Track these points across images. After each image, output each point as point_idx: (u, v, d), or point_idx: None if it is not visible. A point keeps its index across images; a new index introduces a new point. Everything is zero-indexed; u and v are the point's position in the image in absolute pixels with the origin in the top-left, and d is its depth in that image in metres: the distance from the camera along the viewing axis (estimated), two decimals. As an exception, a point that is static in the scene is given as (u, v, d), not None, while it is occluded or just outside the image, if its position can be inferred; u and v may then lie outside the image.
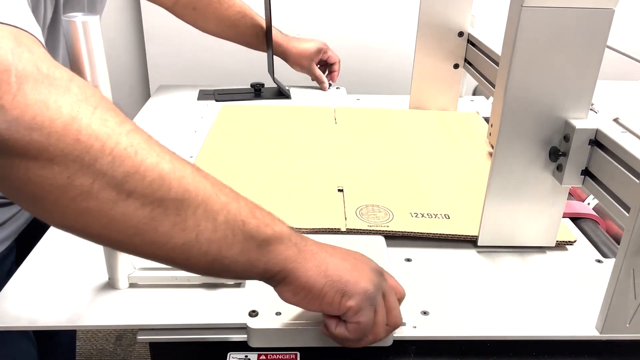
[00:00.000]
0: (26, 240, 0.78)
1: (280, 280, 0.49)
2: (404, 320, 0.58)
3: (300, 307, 0.51)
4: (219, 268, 0.47)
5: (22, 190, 0.39)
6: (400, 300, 0.56)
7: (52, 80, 0.38)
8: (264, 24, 1.19)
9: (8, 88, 0.36)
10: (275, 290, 0.51)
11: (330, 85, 1.30)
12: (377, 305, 0.52)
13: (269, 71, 1.24)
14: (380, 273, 0.53)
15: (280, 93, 1.26)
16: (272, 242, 0.48)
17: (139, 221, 0.41)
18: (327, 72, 1.30)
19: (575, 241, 0.75)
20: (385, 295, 0.53)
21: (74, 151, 0.38)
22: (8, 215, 0.83)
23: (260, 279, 0.50)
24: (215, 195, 0.45)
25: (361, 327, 0.51)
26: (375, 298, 0.51)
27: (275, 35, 1.23)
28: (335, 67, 1.29)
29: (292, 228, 0.50)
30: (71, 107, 0.38)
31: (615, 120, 0.66)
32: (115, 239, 0.42)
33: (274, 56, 1.23)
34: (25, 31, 0.40)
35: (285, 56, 1.27)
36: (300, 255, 0.49)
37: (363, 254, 0.55)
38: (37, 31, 0.42)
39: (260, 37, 1.21)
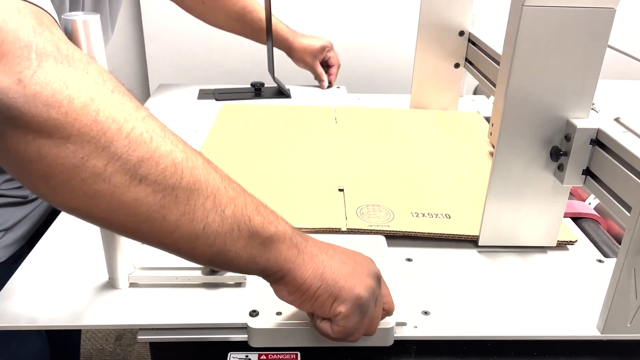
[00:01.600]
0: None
1: (278, 279, 0.49)
2: (404, 320, 0.58)
3: (294, 306, 0.52)
4: (222, 261, 0.47)
5: (32, 167, 0.39)
6: (387, 313, 0.56)
7: (71, 61, 0.38)
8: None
9: (28, 64, 0.37)
10: (272, 287, 0.51)
11: (330, 85, 1.30)
12: (368, 311, 0.51)
13: (269, 70, 1.24)
14: (378, 279, 0.53)
15: (281, 92, 1.26)
16: (275, 240, 0.48)
17: (149, 208, 0.41)
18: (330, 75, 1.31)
19: (576, 241, 0.75)
20: (375, 304, 0.53)
21: (91, 132, 0.38)
22: (20, 215, 0.84)
23: (259, 275, 0.50)
24: (224, 189, 0.45)
25: (345, 331, 0.51)
26: (367, 305, 0.51)
27: (282, 29, 1.24)
28: (333, 71, 1.29)
29: (294, 227, 0.50)
30: (89, 88, 0.38)
31: (617, 119, 0.66)
32: (121, 223, 0.42)
33: (276, 53, 1.23)
34: (47, 12, 0.40)
35: (290, 51, 1.27)
36: (300, 256, 0.49)
37: (366, 255, 0.55)
38: (56, 15, 0.42)
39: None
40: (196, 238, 0.44)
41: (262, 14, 1.19)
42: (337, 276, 0.50)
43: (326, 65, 1.29)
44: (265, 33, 1.19)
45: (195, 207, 0.43)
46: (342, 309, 0.49)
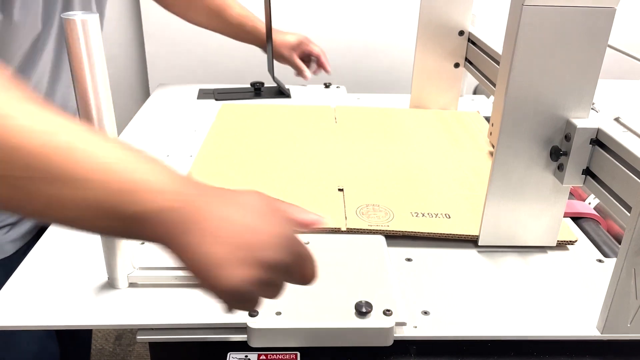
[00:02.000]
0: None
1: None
2: (404, 320, 0.58)
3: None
4: (94, 232, 0.43)
5: None
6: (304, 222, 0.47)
7: None
8: (248, 14, 1.20)
9: None
10: None
11: (329, 85, 1.30)
12: (252, 297, 0.44)
13: (269, 70, 1.24)
14: (267, 261, 0.43)
15: (280, 92, 1.26)
16: (139, 220, 0.41)
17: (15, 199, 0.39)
18: (316, 67, 1.30)
19: (576, 241, 0.74)
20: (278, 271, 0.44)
21: None
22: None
23: None
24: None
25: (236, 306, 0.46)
26: (246, 295, 0.43)
27: (259, 27, 1.23)
28: (322, 59, 1.28)
29: (176, 186, 0.42)
30: None
31: (617, 119, 0.66)
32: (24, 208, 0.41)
33: (262, 50, 1.22)
34: None
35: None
36: (180, 235, 0.42)
37: (268, 204, 0.45)
38: None
39: (247, 28, 1.21)
40: (51, 217, 0.42)
41: (239, 10, 1.19)
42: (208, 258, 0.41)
43: (311, 59, 1.29)
44: (265, 34, 1.19)
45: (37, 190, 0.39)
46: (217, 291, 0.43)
